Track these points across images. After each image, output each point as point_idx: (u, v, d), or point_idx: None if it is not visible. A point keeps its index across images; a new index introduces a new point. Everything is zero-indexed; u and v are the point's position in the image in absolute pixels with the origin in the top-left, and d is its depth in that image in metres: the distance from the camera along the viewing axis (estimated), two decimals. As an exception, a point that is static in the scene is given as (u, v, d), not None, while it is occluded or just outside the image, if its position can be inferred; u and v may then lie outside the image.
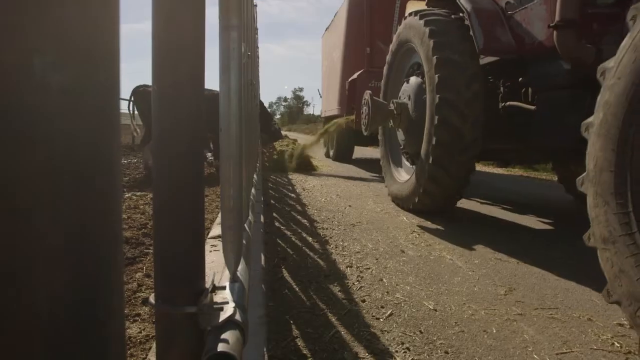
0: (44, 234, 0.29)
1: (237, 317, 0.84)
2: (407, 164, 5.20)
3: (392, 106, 4.97)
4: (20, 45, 0.26)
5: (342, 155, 11.27)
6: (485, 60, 4.40)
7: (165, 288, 0.79)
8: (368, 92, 5.21)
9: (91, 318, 0.33)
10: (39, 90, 0.27)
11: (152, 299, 0.80)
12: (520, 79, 4.03)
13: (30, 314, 0.29)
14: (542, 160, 5.77)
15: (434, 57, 4.08)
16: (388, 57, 5.60)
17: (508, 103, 4.14)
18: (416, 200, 4.42)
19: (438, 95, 3.98)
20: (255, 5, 3.53)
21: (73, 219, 0.31)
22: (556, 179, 8.08)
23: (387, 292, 2.45)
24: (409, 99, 4.82)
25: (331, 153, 11.84)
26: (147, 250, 2.88)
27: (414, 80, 4.84)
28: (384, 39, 9.29)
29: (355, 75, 9.55)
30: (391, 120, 5.00)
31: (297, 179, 7.55)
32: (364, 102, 5.25)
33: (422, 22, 4.39)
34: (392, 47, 5.44)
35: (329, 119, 11.93)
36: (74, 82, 0.29)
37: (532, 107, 3.81)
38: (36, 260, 0.29)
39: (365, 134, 5.44)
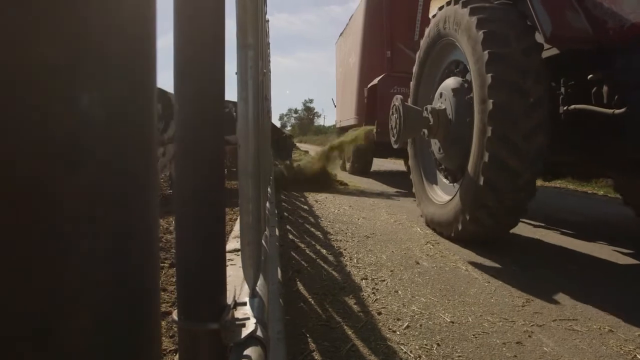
0: (86, 253, 0.31)
1: (259, 332, 0.85)
2: (445, 181, 4.40)
3: (426, 113, 4.24)
4: (72, 82, 0.29)
5: (360, 168, 10.19)
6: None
7: (189, 304, 0.81)
8: (399, 97, 4.52)
9: (130, 338, 0.34)
10: (85, 122, 0.29)
11: (175, 316, 0.81)
12: (590, 75, 3.21)
13: (79, 331, 0.30)
14: (607, 173, 4.72)
15: (488, 73, 3.28)
16: (419, 55, 4.82)
17: (573, 106, 3.38)
18: (460, 227, 3.62)
19: (491, 101, 3.24)
20: (267, 21, 3.58)
21: (112, 241, 0.32)
22: (572, 187, 7.93)
23: (403, 305, 2.44)
24: (448, 104, 4.07)
25: (347, 166, 10.72)
26: (162, 264, 2.91)
27: (453, 81, 4.10)
28: (406, 40, 8.77)
29: (375, 81, 8.85)
30: (425, 130, 4.25)
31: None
32: (394, 109, 4.55)
33: (474, 19, 3.51)
34: (423, 43, 4.66)
35: (344, 129, 11.02)
36: (117, 115, 0.31)
37: (611, 111, 3.02)
38: (81, 277, 0.30)
39: (395, 146, 4.69)
